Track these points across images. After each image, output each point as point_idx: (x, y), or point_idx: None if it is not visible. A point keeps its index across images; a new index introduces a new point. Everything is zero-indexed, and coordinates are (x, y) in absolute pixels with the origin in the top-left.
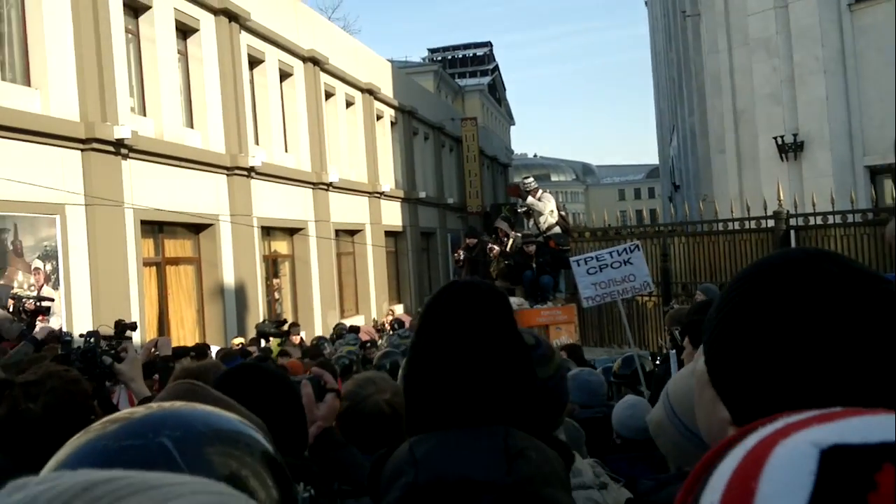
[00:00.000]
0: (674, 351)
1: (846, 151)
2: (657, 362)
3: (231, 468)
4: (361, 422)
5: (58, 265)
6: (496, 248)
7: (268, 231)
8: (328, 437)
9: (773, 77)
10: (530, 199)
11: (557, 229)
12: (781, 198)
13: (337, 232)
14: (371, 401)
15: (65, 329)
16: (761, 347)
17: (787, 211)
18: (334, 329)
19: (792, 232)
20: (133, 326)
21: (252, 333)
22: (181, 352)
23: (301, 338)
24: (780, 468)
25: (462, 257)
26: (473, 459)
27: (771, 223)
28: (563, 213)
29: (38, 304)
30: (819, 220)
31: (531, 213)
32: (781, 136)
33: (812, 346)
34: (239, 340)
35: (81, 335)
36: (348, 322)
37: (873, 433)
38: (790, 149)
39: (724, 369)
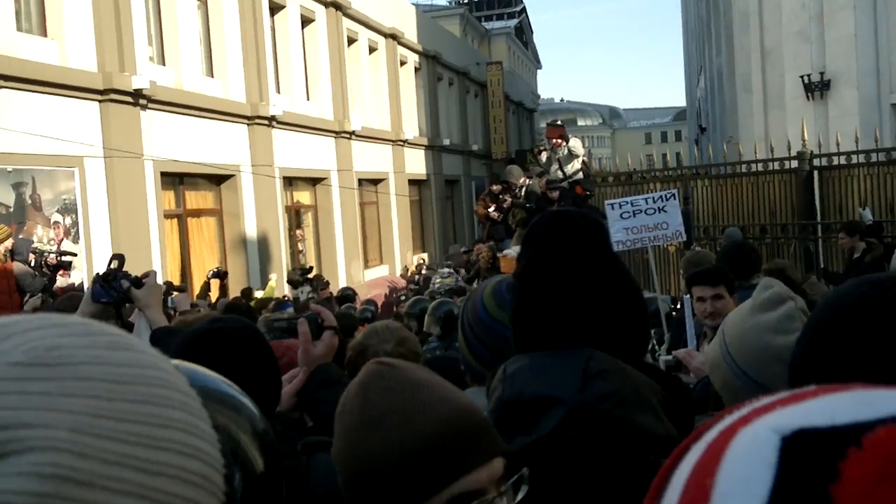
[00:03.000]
0: (688, 295)
1: (873, 90)
2: (676, 306)
3: None
4: None
5: (77, 219)
6: (508, 198)
7: (290, 181)
8: (322, 373)
9: (801, 14)
10: (573, 141)
11: (580, 175)
12: (806, 138)
13: (360, 181)
14: (371, 351)
15: (86, 284)
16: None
17: (811, 151)
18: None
19: (815, 173)
20: (181, 288)
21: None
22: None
23: (331, 292)
24: (737, 461)
25: (487, 208)
26: (552, 378)
27: (794, 164)
28: (585, 158)
29: (59, 258)
30: (843, 161)
31: (557, 158)
32: (808, 75)
33: None
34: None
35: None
36: (371, 273)
37: (844, 412)
38: (816, 87)
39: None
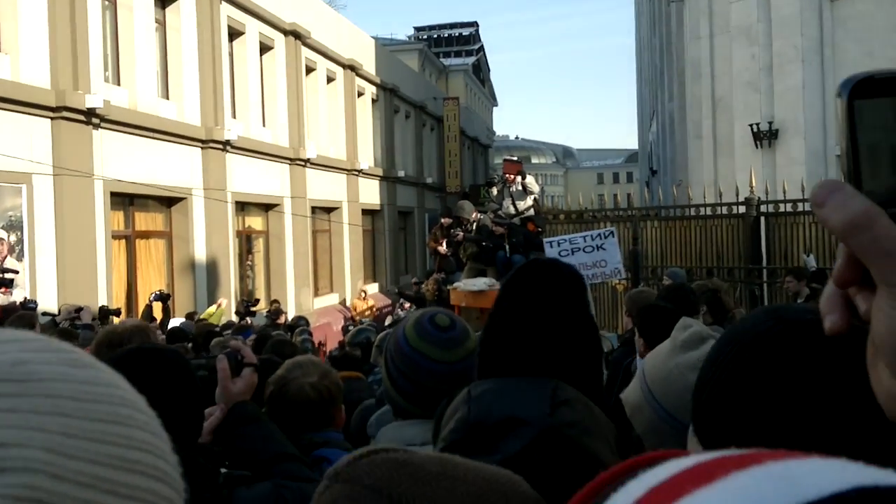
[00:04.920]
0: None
1: (819, 140)
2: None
3: None
4: (285, 405)
5: (23, 236)
6: (460, 232)
7: (242, 206)
8: (240, 410)
9: (752, 65)
10: (529, 178)
11: (532, 212)
12: (753, 184)
13: (313, 209)
14: (295, 384)
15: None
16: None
17: (759, 198)
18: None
19: (762, 219)
20: (117, 312)
21: None
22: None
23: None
24: None
25: (438, 242)
26: (521, 401)
27: (742, 209)
28: (537, 196)
29: (1, 275)
30: (789, 208)
31: (511, 193)
32: (757, 124)
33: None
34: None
35: (45, 313)
36: (321, 301)
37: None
38: (765, 136)
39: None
